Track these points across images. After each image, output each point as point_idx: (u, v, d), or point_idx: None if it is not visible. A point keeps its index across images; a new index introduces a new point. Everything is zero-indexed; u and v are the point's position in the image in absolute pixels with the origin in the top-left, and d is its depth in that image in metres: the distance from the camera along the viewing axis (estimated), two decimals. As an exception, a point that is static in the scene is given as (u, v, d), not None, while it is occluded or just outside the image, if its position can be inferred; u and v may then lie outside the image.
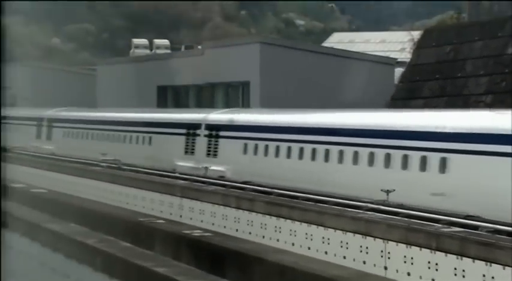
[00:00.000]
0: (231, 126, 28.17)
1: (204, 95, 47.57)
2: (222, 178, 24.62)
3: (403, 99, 33.78)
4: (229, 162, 27.12)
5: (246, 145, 26.59)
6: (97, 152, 32.44)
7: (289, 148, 24.21)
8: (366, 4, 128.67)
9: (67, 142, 41.03)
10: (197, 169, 28.36)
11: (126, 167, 28.41)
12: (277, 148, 24.82)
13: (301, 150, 23.69)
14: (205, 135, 29.67)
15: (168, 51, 66.93)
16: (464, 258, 12.77)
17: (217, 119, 30.15)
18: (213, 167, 27.87)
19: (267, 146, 25.43)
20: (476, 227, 14.34)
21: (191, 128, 30.76)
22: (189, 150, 30.58)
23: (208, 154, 29.06)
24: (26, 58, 65.84)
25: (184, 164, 29.82)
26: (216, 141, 29.00)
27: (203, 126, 30.00)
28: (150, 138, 33.79)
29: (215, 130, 29.22)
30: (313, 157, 23.19)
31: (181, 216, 21.97)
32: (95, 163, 30.19)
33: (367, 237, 14.99)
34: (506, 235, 13.53)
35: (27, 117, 47.80)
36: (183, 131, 31.31)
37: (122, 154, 32.45)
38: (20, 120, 47.68)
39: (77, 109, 44.63)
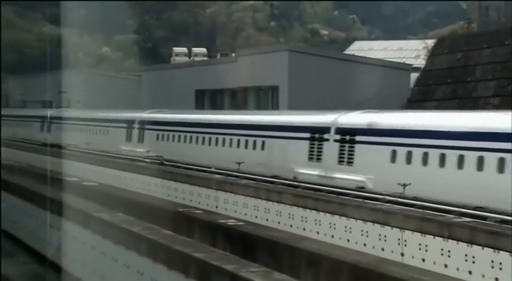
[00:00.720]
0: (372, 130, 21.94)
1: (238, 98, 47.65)
2: (361, 188, 19.82)
3: (418, 101, 33.51)
4: (370, 171, 21.48)
5: (394, 151, 20.78)
6: (200, 156, 28.06)
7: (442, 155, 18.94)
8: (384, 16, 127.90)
9: (164, 145, 34.22)
10: (325, 177, 22.93)
11: (167, 163, 28.47)
12: (442, 156, 19.14)
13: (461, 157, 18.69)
14: (336, 140, 23.30)
15: (205, 58, 67.16)
16: (474, 246, 12.63)
17: (351, 122, 23.45)
18: (348, 176, 22.29)
19: (425, 154, 19.66)
20: (485, 218, 14.19)
21: (317, 131, 24.23)
22: (315, 156, 24.13)
23: (341, 161, 22.95)
24: (79, 65, 66.46)
25: (309, 171, 23.99)
26: (352, 147, 22.74)
27: (333, 130, 23.77)
28: (263, 142, 27.21)
29: (349, 134, 22.87)
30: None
31: (217, 207, 21.93)
32: (140, 158, 30.29)
33: (385, 226, 14.89)
34: (513, 225, 13.38)
35: (112, 120, 41.15)
36: (306, 135, 24.72)
37: (222, 158, 27.58)
38: (103, 122, 41.87)
39: (169, 111, 37.59)
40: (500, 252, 12.05)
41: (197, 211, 22.02)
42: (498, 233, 12.38)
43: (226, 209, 21.37)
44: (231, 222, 19.78)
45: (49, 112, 49.58)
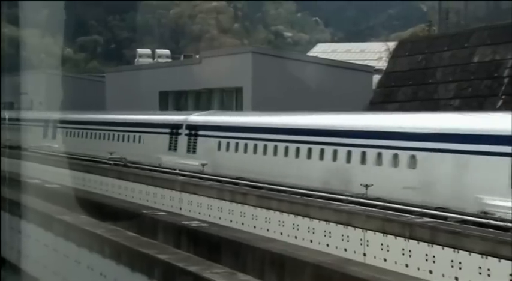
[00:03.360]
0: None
1: (202, 100, 47.53)
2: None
3: (380, 103, 33.78)
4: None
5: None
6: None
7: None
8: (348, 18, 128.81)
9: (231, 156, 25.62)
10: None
11: (131, 165, 28.28)
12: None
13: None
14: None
15: (169, 60, 66.82)
16: (434, 245, 12.77)
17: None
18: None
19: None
20: (445, 218, 14.36)
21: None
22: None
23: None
24: (41, 66, 65.62)
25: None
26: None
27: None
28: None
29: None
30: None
31: (181, 208, 21.88)
32: (103, 160, 30.02)
33: (348, 227, 14.98)
34: (472, 225, 13.56)
35: (148, 124, 32.79)
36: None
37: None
38: (133, 127, 33.49)
39: (223, 113, 33.97)
40: (460, 252, 12.20)
41: (161, 213, 21.92)
42: (458, 233, 12.53)
43: (190, 211, 21.30)
44: (195, 223, 19.73)
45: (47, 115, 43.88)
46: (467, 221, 13.87)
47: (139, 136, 32.27)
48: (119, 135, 33.93)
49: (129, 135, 33.04)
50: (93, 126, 36.98)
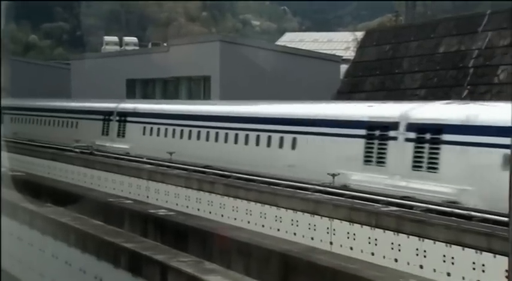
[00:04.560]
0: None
1: (169, 88, 47.31)
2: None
3: (348, 92, 33.97)
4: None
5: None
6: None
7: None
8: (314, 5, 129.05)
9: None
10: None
11: (97, 153, 28.09)
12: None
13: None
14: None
15: (136, 48, 66.34)
16: (400, 234, 12.90)
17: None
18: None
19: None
20: (411, 207, 14.51)
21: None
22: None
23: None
24: (5, 54, 64.67)
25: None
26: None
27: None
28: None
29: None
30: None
31: (147, 197, 21.79)
32: (69, 148, 29.82)
33: (315, 216, 15.05)
34: (437, 213, 13.74)
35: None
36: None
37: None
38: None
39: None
40: (425, 240, 12.35)
41: (127, 201, 21.82)
42: (423, 221, 12.68)
43: (157, 200, 21.23)
44: (161, 212, 19.68)
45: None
46: (432, 210, 14.05)
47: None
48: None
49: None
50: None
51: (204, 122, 26.40)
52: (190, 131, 26.99)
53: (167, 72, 44.70)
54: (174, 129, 28.20)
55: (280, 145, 22.17)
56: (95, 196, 23.23)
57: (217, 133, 25.29)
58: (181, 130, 27.62)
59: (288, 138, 21.88)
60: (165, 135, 28.51)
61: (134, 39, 72.39)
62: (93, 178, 25.13)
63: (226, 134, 24.75)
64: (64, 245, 20.96)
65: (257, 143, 23.21)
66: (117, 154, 27.47)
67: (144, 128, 29.68)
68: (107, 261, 18.59)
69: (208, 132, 25.90)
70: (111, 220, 20.98)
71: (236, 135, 24.19)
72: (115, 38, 72.54)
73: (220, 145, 25.02)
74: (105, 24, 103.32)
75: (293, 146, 21.67)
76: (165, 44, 53.40)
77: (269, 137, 22.71)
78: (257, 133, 23.21)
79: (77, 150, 29.20)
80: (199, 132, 26.47)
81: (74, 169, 26.65)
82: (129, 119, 31.08)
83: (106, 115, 32.58)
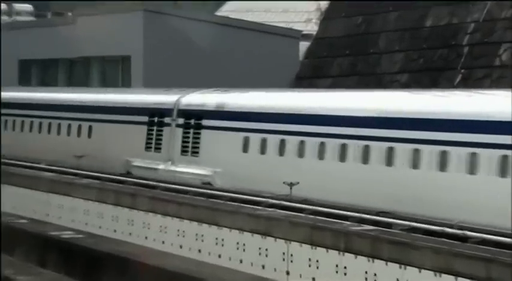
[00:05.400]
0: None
1: (76, 71, 46.91)
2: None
3: (308, 78, 34.18)
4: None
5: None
6: None
7: None
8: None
9: None
10: None
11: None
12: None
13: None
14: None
15: (32, 18, 65.55)
16: (376, 260, 13.03)
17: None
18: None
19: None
20: (389, 225, 14.68)
21: None
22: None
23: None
24: None
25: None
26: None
27: None
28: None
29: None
30: None
31: (48, 214, 21.68)
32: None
33: (267, 237, 15.12)
34: (423, 234, 13.91)
35: None
36: None
37: None
38: None
39: None
40: (408, 268, 12.50)
41: (21, 221, 21.63)
42: (405, 244, 12.82)
43: (60, 218, 21.14)
44: (66, 234, 19.55)
45: None
46: (417, 229, 14.23)
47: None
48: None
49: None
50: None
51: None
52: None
53: (74, 51, 44.31)
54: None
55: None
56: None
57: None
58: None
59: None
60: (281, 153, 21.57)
61: (28, 6, 71.43)
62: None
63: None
64: None
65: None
66: (21, 161, 26.50)
67: (247, 139, 22.47)
68: (-6, 299, 18.39)
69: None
70: (-1, 246, 20.75)
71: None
72: (3, 6, 71.47)
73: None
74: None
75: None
76: (70, 14, 52.88)
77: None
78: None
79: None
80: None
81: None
82: (207, 123, 24.01)
83: (154, 115, 25.82)
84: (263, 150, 21.69)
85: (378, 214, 15.58)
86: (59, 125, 29.62)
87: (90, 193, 20.40)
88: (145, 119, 25.51)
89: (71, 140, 28.59)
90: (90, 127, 27.96)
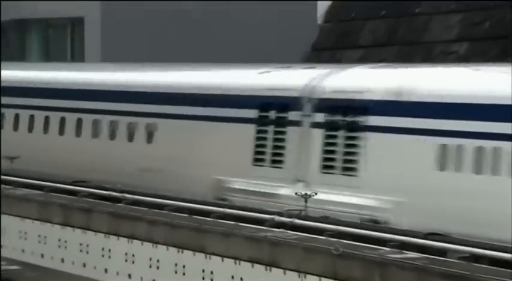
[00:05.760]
0: None
1: (9, 38, 47.06)
2: None
3: (330, 49, 34.22)
4: None
5: None
6: None
7: None
8: None
9: None
10: None
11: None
12: None
13: None
14: None
15: None
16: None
17: None
18: None
19: None
20: (443, 252, 14.75)
21: None
22: None
23: None
24: None
25: None
26: None
27: None
28: None
29: None
30: None
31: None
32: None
33: (273, 268, 15.22)
34: (488, 264, 13.98)
35: None
36: None
37: None
38: None
39: None
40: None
41: None
42: (464, 277, 12.92)
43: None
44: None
45: None
46: (479, 257, 14.29)
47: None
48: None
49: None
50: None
51: None
52: None
53: (5, 12, 44.48)
54: None
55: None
56: None
57: None
58: None
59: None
60: None
61: None
62: None
63: None
64: None
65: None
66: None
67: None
68: None
69: None
70: None
71: None
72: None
73: None
74: None
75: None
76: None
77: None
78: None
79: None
80: None
81: None
82: (376, 121, 21.08)
83: (268, 109, 23.30)
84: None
85: (426, 236, 15.60)
86: (95, 122, 25.80)
87: (29, 208, 20.47)
88: (252, 113, 21.79)
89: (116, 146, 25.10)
90: (149, 126, 24.10)
